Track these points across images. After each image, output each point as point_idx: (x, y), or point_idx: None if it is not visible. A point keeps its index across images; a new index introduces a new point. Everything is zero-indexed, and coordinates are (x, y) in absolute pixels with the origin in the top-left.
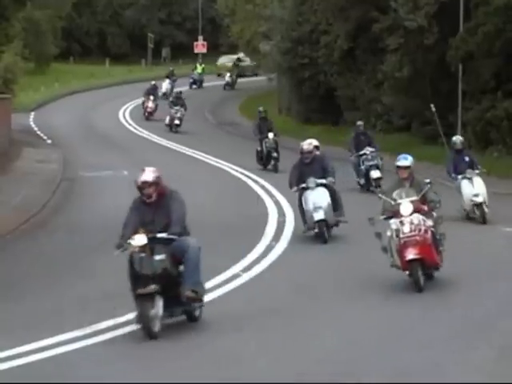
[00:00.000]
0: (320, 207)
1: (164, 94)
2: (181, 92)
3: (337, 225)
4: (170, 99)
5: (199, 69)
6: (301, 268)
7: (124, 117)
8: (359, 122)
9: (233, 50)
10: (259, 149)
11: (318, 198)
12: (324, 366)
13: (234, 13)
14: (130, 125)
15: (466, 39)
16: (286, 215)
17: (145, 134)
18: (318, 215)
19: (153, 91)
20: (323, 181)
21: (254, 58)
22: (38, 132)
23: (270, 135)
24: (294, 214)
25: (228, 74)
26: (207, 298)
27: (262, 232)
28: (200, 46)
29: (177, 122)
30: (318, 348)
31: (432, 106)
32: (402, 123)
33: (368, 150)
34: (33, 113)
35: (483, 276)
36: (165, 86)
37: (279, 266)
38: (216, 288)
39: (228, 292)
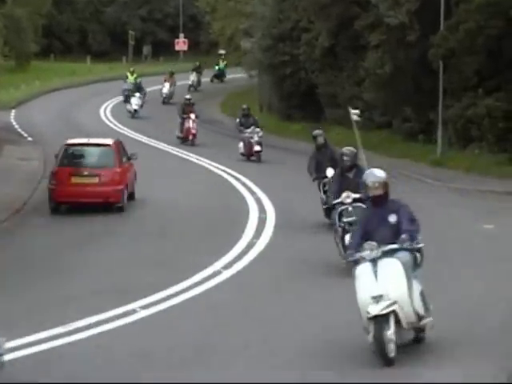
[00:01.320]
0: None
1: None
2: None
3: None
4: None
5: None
6: (281, 264)
7: (105, 114)
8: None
9: (213, 47)
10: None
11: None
12: (300, 362)
13: (214, 10)
14: (110, 122)
15: (447, 36)
16: (266, 212)
17: (126, 131)
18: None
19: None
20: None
21: (235, 55)
22: (19, 130)
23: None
24: (274, 211)
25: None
26: (188, 294)
27: (243, 229)
28: (181, 44)
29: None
30: (296, 344)
31: (350, 108)
32: (383, 120)
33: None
34: (13, 110)
35: (463, 274)
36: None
37: (260, 263)
38: (197, 285)
39: (209, 289)
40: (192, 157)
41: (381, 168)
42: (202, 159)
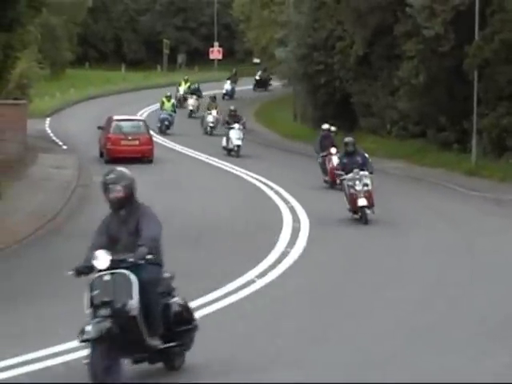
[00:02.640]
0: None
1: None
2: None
3: None
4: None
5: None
6: (316, 274)
7: None
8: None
9: (248, 56)
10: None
11: None
12: (337, 371)
13: (249, 19)
14: None
15: (482, 47)
16: (300, 221)
17: (160, 140)
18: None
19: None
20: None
21: (269, 64)
22: (54, 138)
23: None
24: (308, 220)
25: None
26: (222, 303)
27: (277, 238)
28: (216, 52)
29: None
30: (331, 353)
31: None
32: (418, 130)
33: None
34: (48, 119)
35: (498, 280)
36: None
37: (294, 272)
38: (231, 294)
39: (243, 298)
40: (227, 166)
41: (415, 178)
42: (236, 168)
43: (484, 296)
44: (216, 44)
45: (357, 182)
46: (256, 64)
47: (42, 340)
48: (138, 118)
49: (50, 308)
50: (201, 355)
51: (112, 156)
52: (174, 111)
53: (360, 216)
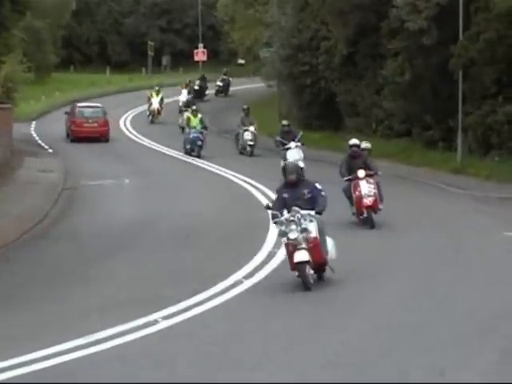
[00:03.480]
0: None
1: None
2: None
3: None
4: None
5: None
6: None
7: (125, 125)
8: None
9: (233, 57)
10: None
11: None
12: (326, 371)
13: (233, 19)
14: (130, 133)
15: (467, 46)
16: None
17: (145, 142)
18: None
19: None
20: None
21: (254, 64)
22: (40, 141)
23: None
24: None
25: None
26: (209, 304)
27: (264, 239)
28: (200, 54)
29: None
30: (321, 353)
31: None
32: (403, 128)
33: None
34: (34, 122)
35: (485, 279)
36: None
37: (281, 273)
38: (218, 295)
39: (229, 299)
40: (212, 167)
41: (401, 176)
42: (221, 169)
43: (471, 294)
44: (200, 45)
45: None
46: (241, 65)
47: (30, 343)
48: (97, 104)
49: (37, 311)
50: (189, 356)
51: (76, 136)
52: (205, 127)
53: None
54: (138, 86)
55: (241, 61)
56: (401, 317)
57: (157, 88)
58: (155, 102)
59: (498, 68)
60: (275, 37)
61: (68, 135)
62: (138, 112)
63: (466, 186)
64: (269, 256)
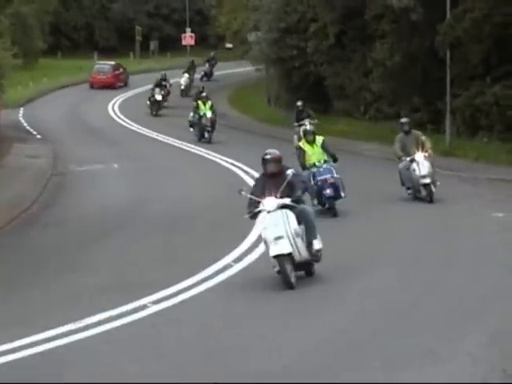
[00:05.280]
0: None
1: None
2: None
3: None
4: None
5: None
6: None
7: (113, 110)
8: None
9: (221, 41)
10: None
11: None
12: (315, 356)
13: (221, 3)
14: (119, 118)
15: (454, 25)
16: None
17: (134, 127)
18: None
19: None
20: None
21: (242, 48)
22: (28, 127)
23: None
24: None
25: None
26: (199, 289)
27: (253, 222)
28: (188, 38)
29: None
30: (309, 338)
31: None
32: (392, 111)
33: (306, 121)
34: (22, 108)
35: (474, 260)
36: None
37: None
38: (208, 279)
39: (219, 283)
40: (202, 151)
41: (390, 159)
42: (210, 152)
43: (460, 275)
44: (188, 30)
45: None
46: (229, 49)
47: (19, 329)
48: (108, 63)
49: (27, 297)
50: (178, 341)
51: (93, 83)
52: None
53: None
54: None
55: (228, 45)
56: (389, 300)
57: (203, 94)
58: (209, 113)
59: (485, 47)
60: (262, 20)
61: (91, 85)
62: (126, 97)
63: (455, 167)
64: (258, 240)
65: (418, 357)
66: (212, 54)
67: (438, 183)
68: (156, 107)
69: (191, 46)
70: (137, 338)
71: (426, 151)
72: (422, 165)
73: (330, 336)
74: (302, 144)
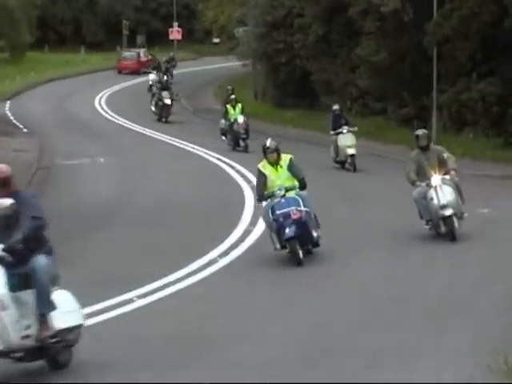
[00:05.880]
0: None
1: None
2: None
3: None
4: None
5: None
6: (278, 252)
7: (100, 104)
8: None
9: (208, 36)
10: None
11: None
12: (295, 350)
13: None
14: (106, 112)
15: (441, 23)
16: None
17: (121, 121)
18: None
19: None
20: None
21: (228, 43)
22: (14, 121)
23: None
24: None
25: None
26: (185, 283)
27: (239, 217)
28: (175, 33)
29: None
30: (291, 332)
31: None
32: (378, 106)
33: (345, 128)
34: (8, 102)
35: (459, 257)
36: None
37: (256, 251)
38: (194, 273)
39: (205, 277)
40: (188, 145)
41: (377, 155)
42: (196, 147)
43: (444, 272)
44: (175, 24)
45: None
46: (216, 44)
47: None
48: (133, 50)
49: None
50: (165, 335)
51: (120, 69)
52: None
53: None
54: (113, 66)
55: (215, 40)
56: (373, 294)
57: (232, 96)
58: (241, 118)
59: (472, 45)
60: (249, 15)
61: (119, 71)
62: (113, 91)
63: None
64: (244, 234)
65: (403, 353)
66: (171, 54)
67: (465, 215)
68: (165, 112)
69: (178, 41)
70: (123, 332)
71: (447, 173)
72: (441, 191)
73: (313, 330)
74: (262, 166)
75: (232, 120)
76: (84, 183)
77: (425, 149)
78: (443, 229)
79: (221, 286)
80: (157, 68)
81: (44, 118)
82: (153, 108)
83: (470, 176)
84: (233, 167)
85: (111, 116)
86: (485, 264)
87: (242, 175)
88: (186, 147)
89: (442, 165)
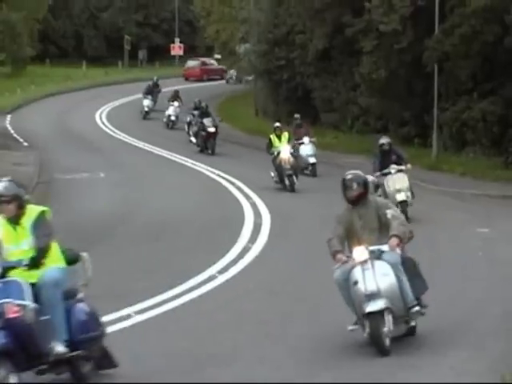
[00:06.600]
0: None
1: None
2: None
3: None
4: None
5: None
6: (277, 269)
7: (101, 119)
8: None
9: (209, 51)
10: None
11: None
12: (299, 367)
13: (210, 14)
14: (106, 127)
15: (442, 40)
16: (262, 217)
17: (121, 136)
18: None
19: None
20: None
21: (230, 59)
22: (15, 135)
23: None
24: (270, 216)
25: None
26: (183, 299)
27: (239, 233)
28: (177, 48)
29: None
30: (291, 349)
31: None
32: (379, 125)
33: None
34: (9, 115)
35: (458, 276)
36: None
37: (255, 268)
38: (192, 290)
39: (203, 294)
40: (188, 161)
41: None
42: (197, 163)
43: (443, 290)
44: (177, 40)
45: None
46: (217, 60)
47: None
48: (197, 59)
49: None
50: (163, 352)
51: (187, 76)
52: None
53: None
54: (114, 81)
55: (217, 56)
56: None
57: (277, 124)
58: (285, 151)
59: (473, 63)
60: (252, 32)
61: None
62: (114, 106)
63: (441, 182)
64: (243, 251)
65: (400, 371)
66: (155, 78)
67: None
68: (211, 142)
69: (180, 56)
70: (120, 347)
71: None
72: (369, 271)
73: (316, 350)
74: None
75: (276, 153)
76: (83, 198)
77: (356, 203)
78: (367, 330)
79: (219, 303)
80: (150, 92)
81: (44, 131)
82: (193, 139)
83: (470, 195)
84: (233, 183)
85: (112, 131)
86: (487, 285)
87: (242, 191)
88: (186, 163)
89: (383, 228)
